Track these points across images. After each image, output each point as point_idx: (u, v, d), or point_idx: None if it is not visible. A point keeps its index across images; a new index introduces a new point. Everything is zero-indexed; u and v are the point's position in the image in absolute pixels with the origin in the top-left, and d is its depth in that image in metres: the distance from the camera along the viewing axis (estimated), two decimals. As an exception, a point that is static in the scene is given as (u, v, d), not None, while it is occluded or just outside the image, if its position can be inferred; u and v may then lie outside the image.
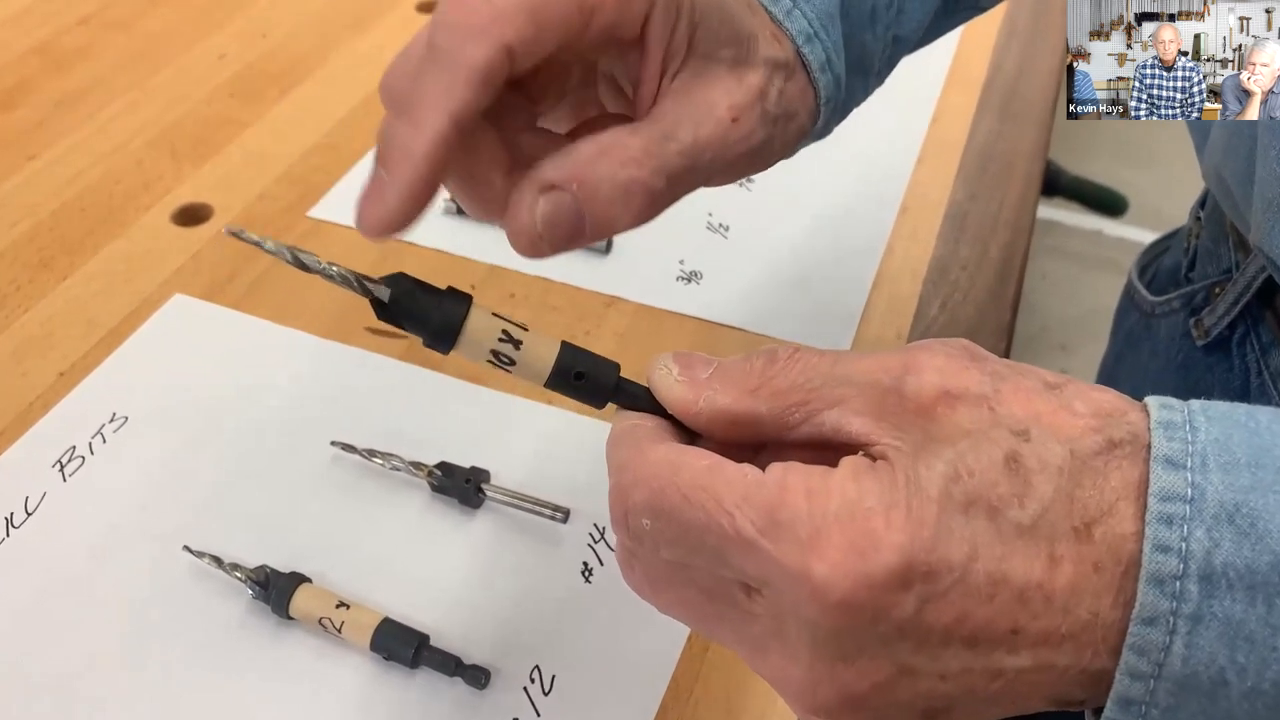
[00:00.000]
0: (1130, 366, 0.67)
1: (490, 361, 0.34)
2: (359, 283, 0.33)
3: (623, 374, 0.36)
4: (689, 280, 0.71)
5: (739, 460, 0.33)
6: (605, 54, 0.37)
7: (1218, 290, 0.57)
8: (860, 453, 0.31)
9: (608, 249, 0.73)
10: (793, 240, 0.75)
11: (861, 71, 0.45)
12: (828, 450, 0.32)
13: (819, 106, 0.41)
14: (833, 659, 0.29)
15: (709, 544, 0.30)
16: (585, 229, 0.35)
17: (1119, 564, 0.28)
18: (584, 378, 0.35)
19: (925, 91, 0.89)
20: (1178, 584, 0.27)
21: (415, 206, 0.32)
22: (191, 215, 0.76)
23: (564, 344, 0.35)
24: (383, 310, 0.34)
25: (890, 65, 0.48)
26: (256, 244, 0.33)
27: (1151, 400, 0.30)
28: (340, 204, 0.77)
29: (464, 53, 0.32)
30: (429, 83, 0.32)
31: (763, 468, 0.30)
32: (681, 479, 0.30)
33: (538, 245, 0.35)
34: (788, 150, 0.41)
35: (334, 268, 0.33)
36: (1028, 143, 0.86)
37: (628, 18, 0.34)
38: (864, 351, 0.32)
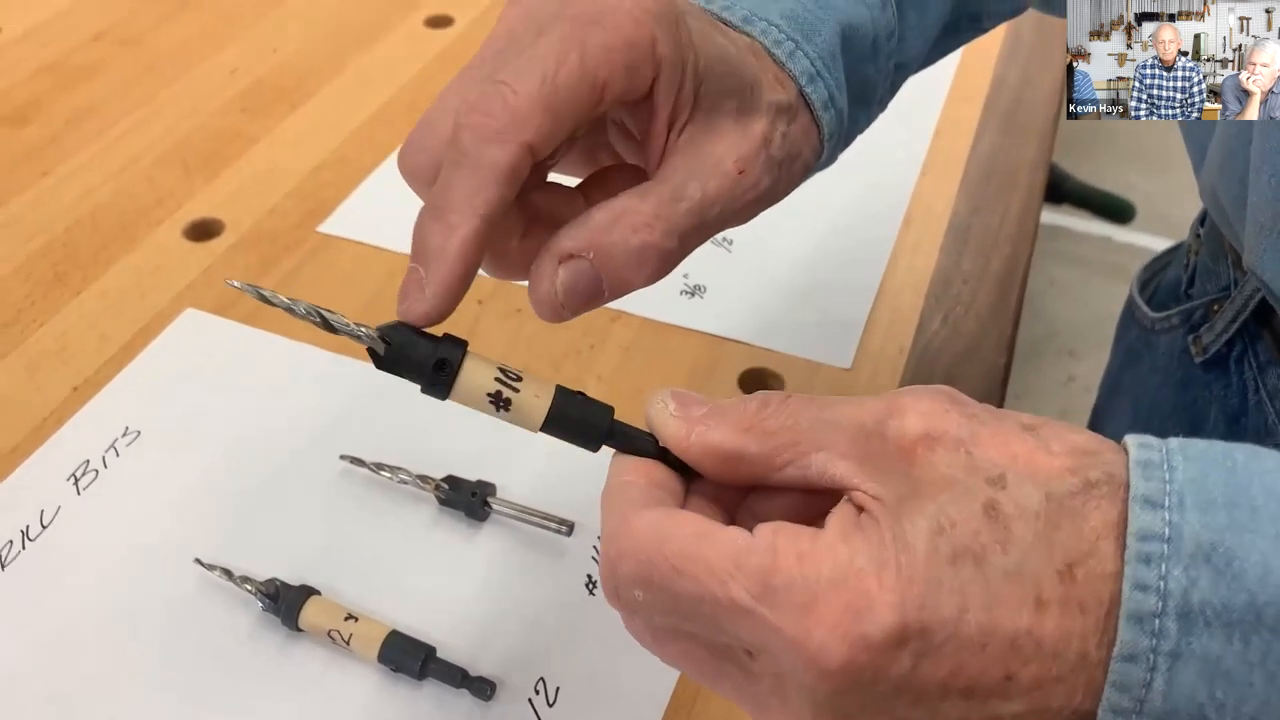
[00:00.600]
0: (1130, 381, 0.67)
1: (489, 406, 0.35)
2: (356, 332, 0.34)
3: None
4: (693, 294, 0.72)
5: (724, 502, 0.34)
6: (615, 111, 0.39)
7: (1216, 308, 0.57)
8: (845, 498, 0.31)
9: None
10: (796, 254, 0.76)
11: (864, 102, 0.46)
12: (813, 494, 0.33)
13: (823, 143, 0.42)
14: (835, 718, 0.30)
15: (703, 613, 0.30)
16: (603, 292, 0.36)
17: (1102, 605, 0.28)
18: (572, 431, 0.36)
19: (928, 105, 0.90)
20: (1156, 621, 0.28)
21: (452, 300, 0.34)
22: (203, 230, 0.77)
23: (559, 389, 0.36)
24: (378, 361, 0.35)
25: (893, 92, 0.49)
26: (288, 308, 0.34)
27: (1131, 439, 0.30)
28: (350, 219, 0.78)
29: (487, 156, 0.33)
30: (456, 185, 0.34)
31: (747, 520, 0.31)
32: (670, 549, 0.31)
33: (559, 312, 0.36)
34: (792, 188, 0.42)
35: (356, 326, 0.34)
36: (1030, 155, 0.87)
37: (636, 84, 0.35)
38: (852, 398, 0.33)
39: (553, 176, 0.41)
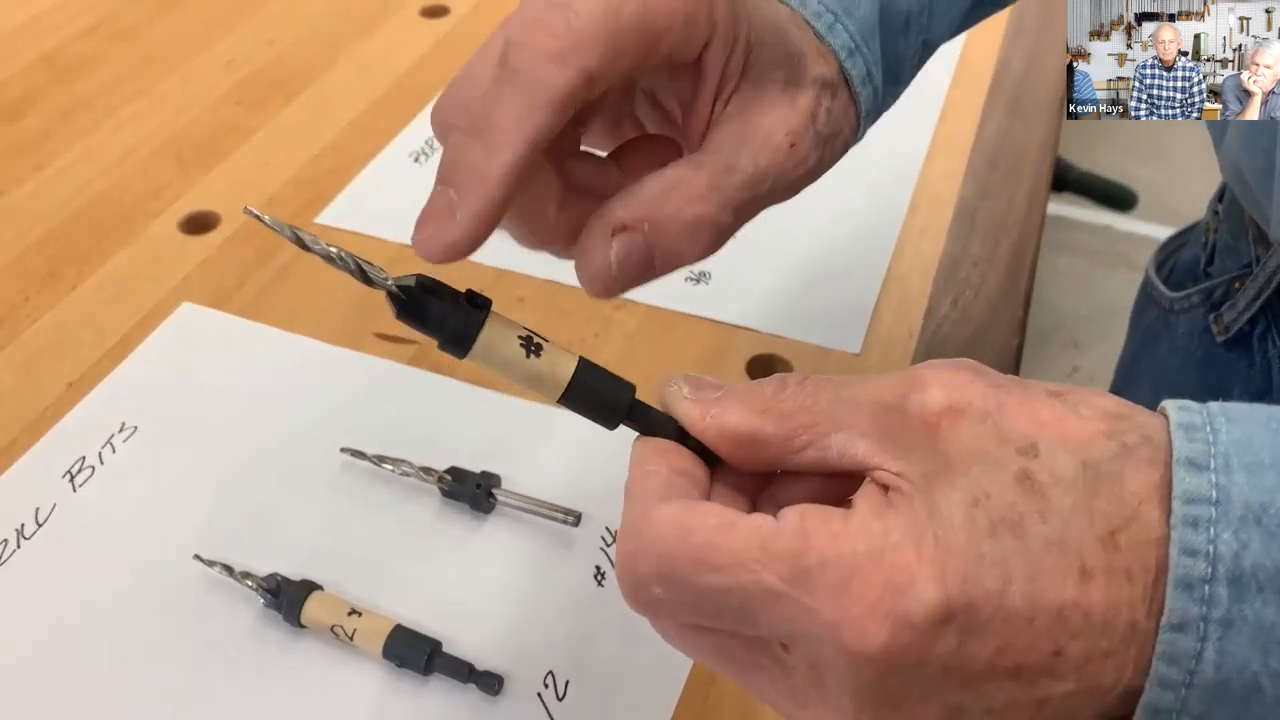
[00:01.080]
0: (1149, 363, 0.66)
1: (517, 355, 0.33)
2: (383, 281, 0.32)
3: (634, 378, 0.35)
4: (698, 281, 0.71)
5: (749, 490, 0.32)
6: (656, 76, 0.37)
7: (1237, 285, 0.56)
8: (868, 479, 0.30)
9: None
10: (802, 240, 0.75)
11: (893, 79, 0.45)
12: (836, 478, 0.31)
13: (859, 121, 0.41)
14: (878, 706, 0.29)
15: (731, 606, 0.29)
16: (655, 266, 0.35)
17: (1149, 571, 0.27)
18: (593, 402, 0.34)
19: (933, 89, 0.89)
20: (1206, 588, 0.27)
21: (484, 231, 0.32)
22: (199, 223, 0.76)
23: (582, 359, 0.34)
24: (401, 308, 0.32)
25: (918, 69, 0.48)
26: (323, 253, 0.31)
27: (1169, 403, 0.29)
28: (348, 209, 0.77)
29: (545, 76, 0.31)
30: (506, 104, 0.31)
31: (770, 507, 0.30)
32: (692, 543, 0.29)
33: (611, 286, 0.35)
34: (832, 165, 0.41)
35: (384, 275, 0.32)
36: (1037, 138, 0.86)
37: (691, 43, 0.34)
38: (870, 375, 0.32)
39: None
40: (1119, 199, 2.14)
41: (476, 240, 0.32)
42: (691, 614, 0.30)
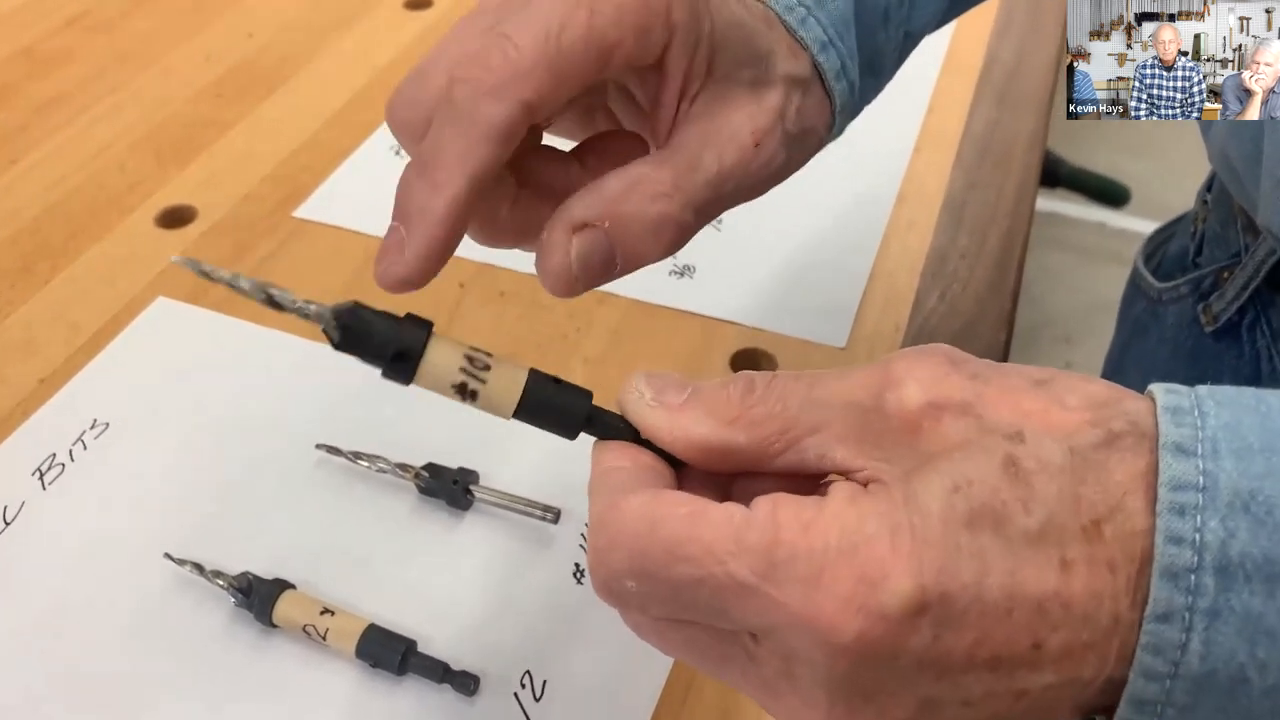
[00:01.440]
0: (1138, 355, 0.66)
1: (455, 393, 0.33)
2: (305, 313, 0.32)
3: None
4: (682, 275, 0.70)
5: (716, 487, 0.31)
6: (621, 76, 0.37)
7: (1226, 275, 0.55)
8: (847, 478, 0.29)
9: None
10: (787, 233, 0.74)
11: (873, 72, 0.44)
12: (810, 480, 0.30)
13: (834, 117, 0.41)
14: (851, 698, 0.28)
15: (703, 598, 0.28)
16: (616, 265, 0.35)
17: (1133, 561, 0.27)
18: (547, 416, 0.33)
19: (921, 80, 0.88)
20: (1192, 577, 0.26)
21: (434, 265, 0.32)
22: (175, 217, 0.75)
23: (532, 373, 0.33)
24: (335, 343, 0.32)
25: (900, 61, 0.47)
26: (229, 283, 0.32)
27: (1156, 386, 0.28)
28: (326, 203, 0.76)
29: (482, 111, 0.31)
30: (447, 141, 0.32)
31: (744, 497, 0.29)
32: (662, 534, 0.28)
33: (573, 285, 0.35)
34: (803, 163, 0.40)
35: (311, 306, 0.32)
36: (1026, 131, 0.85)
37: (648, 50, 0.33)
38: (840, 369, 0.31)
39: (546, 139, 0.39)
40: (1111, 195, 2.14)
41: (427, 273, 0.32)
42: (663, 606, 0.30)
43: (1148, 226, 0.74)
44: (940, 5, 0.47)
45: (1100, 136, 2.28)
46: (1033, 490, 0.27)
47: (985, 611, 0.26)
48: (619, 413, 0.33)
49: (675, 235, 0.35)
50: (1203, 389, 0.28)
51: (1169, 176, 2.05)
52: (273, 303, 0.32)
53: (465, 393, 0.33)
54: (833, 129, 0.41)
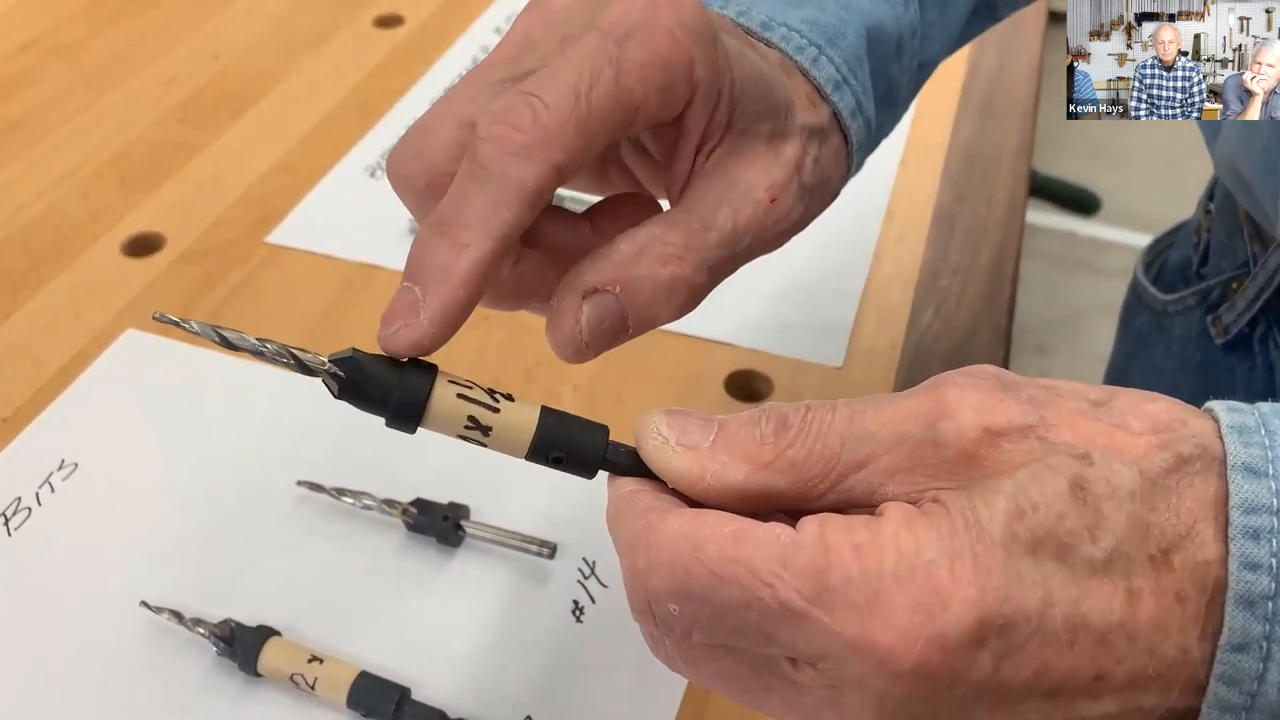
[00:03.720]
0: (1143, 368, 0.64)
1: (463, 439, 0.32)
2: (302, 365, 0.31)
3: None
4: (671, 295, 0.68)
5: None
6: (638, 131, 0.36)
7: (1235, 286, 0.54)
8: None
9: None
10: (778, 252, 0.71)
11: (889, 104, 0.43)
12: (858, 511, 0.29)
13: (850, 158, 0.40)
14: None
15: (750, 622, 0.27)
16: (629, 329, 0.33)
17: (1204, 592, 0.26)
18: (563, 457, 0.32)
19: (904, 92, 0.86)
20: (1270, 604, 0.25)
21: (449, 330, 0.31)
22: (143, 245, 0.72)
23: (544, 411, 0.32)
24: (338, 392, 0.31)
25: (915, 91, 0.46)
26: (178, 325, 0.31)
27: (1216, 404, 0.27)
28: (300, 228, 0.73)
29: (512, 172, 0.30)
30: (472, 201, 0.30)
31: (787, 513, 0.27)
32: (707, 554, 0.27)
33: (583, 351, 0.33)
34: (819, 214, 0.39)
35: (268, 345, 0.31)
36: (1012, 140, 0.84)
37: (669, 109, 0.33)
38: (877, 398, 0.29)
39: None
40: (1082, 204, 2.14)
41: (441, 339, 0.31)
42: (706, 631, 0.28)
43: (1118, 235, 0.73)
44: (953, 33, 0.47)
45: (1071, 146, 2.29)
46: (1101, 517, 0.26)
47: (1047, 642, 0.26)
48: (630, 442, 0.32)
49: (688, 297, 0.34)
50: (1265, 406, 0.27)
51: (1135, 186, 2.06)
52: (227, 343, 0.30)
53: (473, 439, 0.31)
54: (849, 172, 0.41)
